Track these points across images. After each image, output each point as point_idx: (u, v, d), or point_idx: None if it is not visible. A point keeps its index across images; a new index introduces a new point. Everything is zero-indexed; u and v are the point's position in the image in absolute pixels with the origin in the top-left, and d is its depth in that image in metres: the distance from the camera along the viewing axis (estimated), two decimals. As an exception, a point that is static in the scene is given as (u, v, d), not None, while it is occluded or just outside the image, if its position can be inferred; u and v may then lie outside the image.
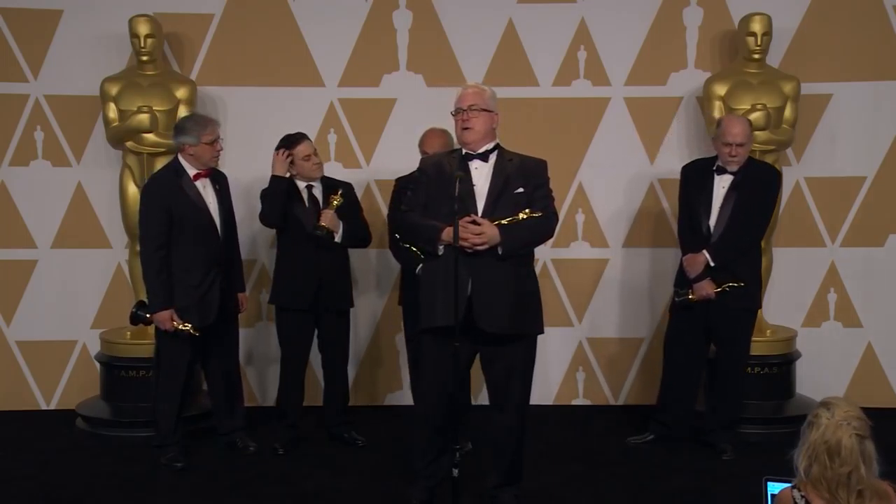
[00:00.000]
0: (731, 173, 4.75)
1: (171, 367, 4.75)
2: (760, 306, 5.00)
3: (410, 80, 5.83)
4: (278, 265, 5.04)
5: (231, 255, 4.87)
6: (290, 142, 4.92)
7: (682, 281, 4.86)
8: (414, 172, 4.31)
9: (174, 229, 4.63)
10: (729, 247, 4.72)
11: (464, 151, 3.99)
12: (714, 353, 4.99)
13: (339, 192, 4.89)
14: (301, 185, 4.97)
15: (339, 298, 5.02)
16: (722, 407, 4.95)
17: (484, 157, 3.96)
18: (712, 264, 4.72)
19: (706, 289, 4.74)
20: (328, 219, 4.84)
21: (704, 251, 4.73)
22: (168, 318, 4.61)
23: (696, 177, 4.86)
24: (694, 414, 5.02)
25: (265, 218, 4.95)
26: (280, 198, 4.86)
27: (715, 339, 4.92)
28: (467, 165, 3.94)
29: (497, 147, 4.02)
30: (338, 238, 4.91)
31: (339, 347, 5.11)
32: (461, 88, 4.05)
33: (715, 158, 4.85)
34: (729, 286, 4.70)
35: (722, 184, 4.77)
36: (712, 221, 4.76)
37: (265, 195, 4.91)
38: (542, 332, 4.04)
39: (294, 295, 4.93)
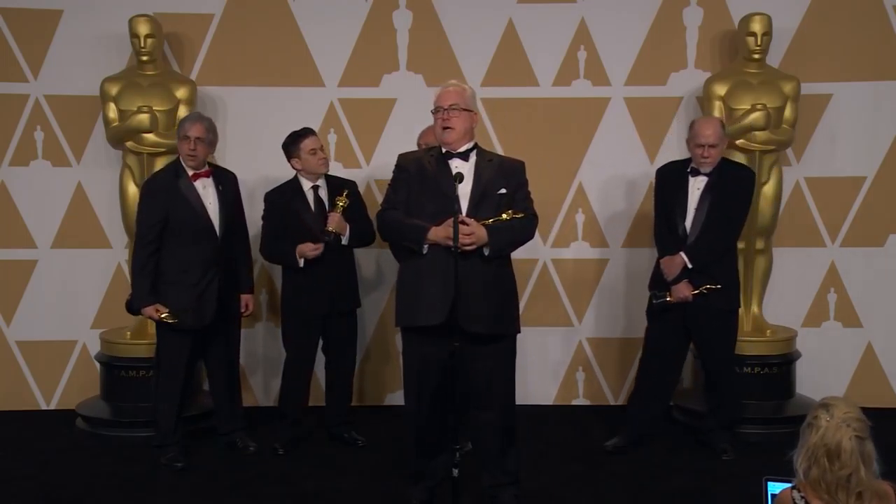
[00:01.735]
0: (706, 175, 4.76)
1: (170, 367, 4.76)
2: (740, 305, 5.00)
3: (410, 80, 5.83)
4: (287, 271, 5.02)
5: (233, 254, 4.85)
6: (295, 137, 4.93)
7: (659, 283, 4.85)
8: None
9: (170, 230, 4.65)
10: (706, 248, 4.73)
11: (443, 150, 3.98)
12: (697, 354, 4.99)
13: (346, 194, 4.88)
14: (307, 185, 4.97)
15: (347, 299, 5.02)
16: (721, 408, 4.95)
17: (464, 156, 3.96)
18: (690, 266, 4.72)
19: (684, 291, 4.74)
20: (335, 222, 4.83)
21: (682, 253, 4.73)
22: (153, 312, 4.67)
23: (671, 179, 4.86)
24: (668, 412, 4.99)
25: (264, 257, 5.10)
26: (280, 263, 5.03)
27: (697, 341, 4.92)
28: (447, 164, 3.93)
29: (475, 146, 4.01)
30: (345, 241, 4.90)
31: (346, 348, 5.11)
32: (441, 87, 4.04)
33: (689, 160, 4.87)
34: (706, 289, 4.71)
35: (697, 185, 4.78)
36: (688, 223, 4.77)
37: (277, 253, 4.97)
38: (519, 331, 4.05)
39: (307, 301, 4.91)
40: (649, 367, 4.99)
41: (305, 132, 4.96)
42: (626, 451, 4.92)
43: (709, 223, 4.72)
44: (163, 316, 4.64)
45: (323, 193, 4.99)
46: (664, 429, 5.05)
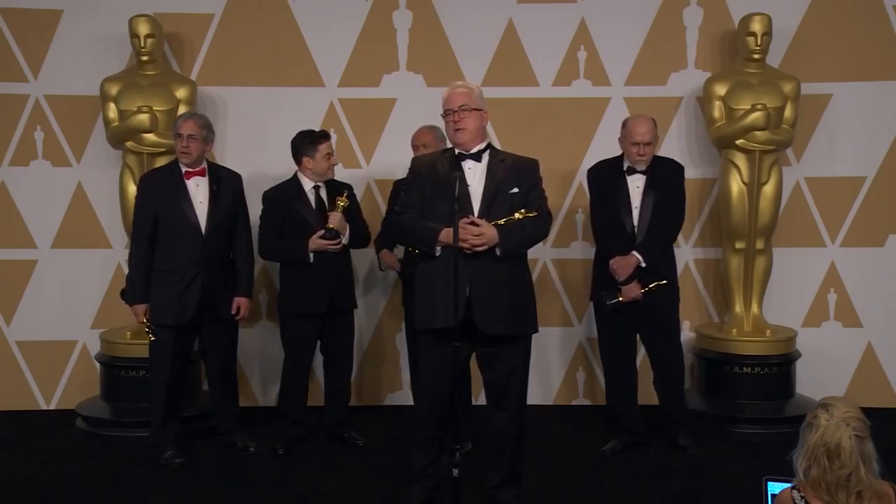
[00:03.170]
0: (642, 173, 4.79)
1: (157, 362, 4.76)
2: (680, 299, 5.02)
3: (410, 80, 5.83)
4: (285, 270, 5.01)
5: (226, 255, 4.85)
6: (315, 137, 4.93)
7: (605, 284, 4.83)
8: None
9: (160, 226, 4.69)
10: (657, 245, 4.77)
11: (456, 151, 3.98)
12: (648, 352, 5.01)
13: (345, 194, 4.89)
14: (307, 185, 4.97)
15: (344, 299, 5.02)
16: (676, 404, 4.97)
17: (477, 157, 3.95)
18: (644, 264, 4.73)
19: (635, 290, 4.75)
20: (336, 220, 4.84)
21: (634, 252, 4.74)
22: (139, 312, 4.73)
23: (609, 178, 4.86)
24: (639, 412, 5.04)
25: (263, 255, 5.08)
26: (285, 259, 4.98)
27: (646, 338, 4.94)
28: (460, 166, 3.93)
29: (489, 146, 4.01)
30: (345, 240, 4.90)
31: (343, 348, 5.11)
32: (448, 88, 4.02)
33: (619, 159, 4.89)
34: (655, 285, 4.73)
35: (636, 184, 4.80)
36: (635, 221, 4.78)
37: (283, 250, 4.95)
38: (536, 331, 4.05)
39: (306, 300, 4.91)
40: (611, 370, 5.00)
41: (325, 135, 4.97)
42: (623, 453, 4.93)
43: (656, 220, 4.76)
44: (146, 324, 4.71)
45: (323, 193, 4.99)
46: (651, 428, 5.04)
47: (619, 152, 4.95)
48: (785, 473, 2.74)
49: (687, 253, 5.84)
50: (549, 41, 5.80)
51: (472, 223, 3.78)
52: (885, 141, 5.76)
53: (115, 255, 5.82)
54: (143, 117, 5.34)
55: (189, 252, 4.69)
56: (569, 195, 5.86)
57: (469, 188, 3.89)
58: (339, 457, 4.92)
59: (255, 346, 5.87)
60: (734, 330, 5.50)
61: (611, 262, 4.78)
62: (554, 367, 5.93)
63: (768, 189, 5.43)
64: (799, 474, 2.62)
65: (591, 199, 4.99)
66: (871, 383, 5.79)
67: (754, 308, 5.56)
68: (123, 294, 5.03)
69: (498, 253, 3.84)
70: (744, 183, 5.42)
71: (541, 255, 5.84)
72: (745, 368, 5.33)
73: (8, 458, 4.91)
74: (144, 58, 5.46)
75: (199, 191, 4.75)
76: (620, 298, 4.77)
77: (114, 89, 5.45)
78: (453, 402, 3.85)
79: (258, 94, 5.78)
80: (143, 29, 5.41)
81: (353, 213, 5.01)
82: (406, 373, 5.68)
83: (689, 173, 5.05)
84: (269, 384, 5.86)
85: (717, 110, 5.46)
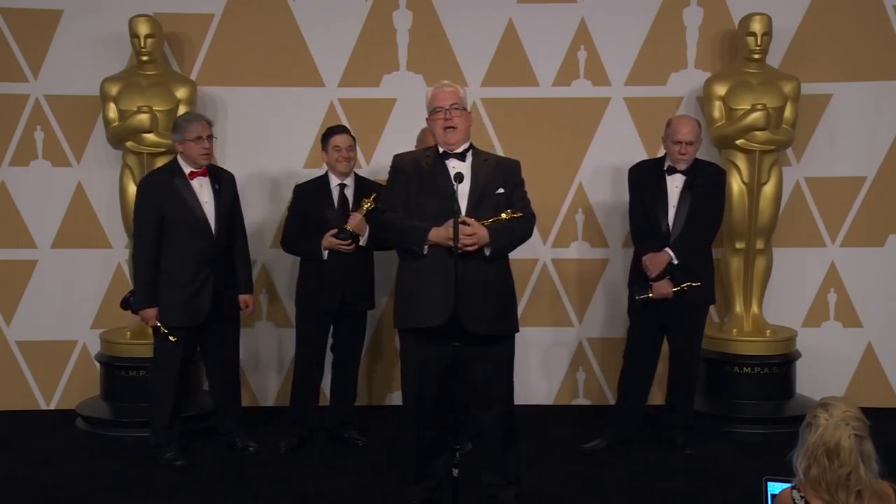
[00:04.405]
0: (682, 173, 4.81)
1: (164, 364, 4.75)
2: (714, 301, 5.04)
3: (410, 80, 5.83)
4: (304, 266, 5.02)
5: (230, 254, 4.86)
6: (328, 131, 4.96)
7: (639, 280, 4.86)
8: None
9: (166, 227, 4.66)
10: (691, 244, 4.78)
11: (440, 150, 3.97)
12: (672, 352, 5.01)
13: (373, 197, 4.79)
14: (334, 182, 4.97)
15: (359, 300, 5.01)
16: (681, 404, 4.99)
17: (461, 156, 3.95)
18: (675, 262, 4.75)
19: (666, 288, 4.76)
20: (355, 222, 4.82)
21: (667, 249, 4.76)
22: (151, 316, 4.69)
23: (648, 178, 4.89)
24: (645, 412, 5.03)
25: (285, 249, 5.10)
26: (301, 254, 5.00)
27: (672, 336, 4.94)
28: (444, 164, 3.92)
29: (471, 146, 4.01)
30: (363, 242, 4.88)
31: (354, 348, 5.11)
32: (434, 87, 4.01)
33: (661, 159, 4.91)
34: (687, 285, 4.74)
35: (675, 183, 4.82)
36: (670, 220, 4.80)
37: (300, 245, 4.96)
38: (518, 330, 4.06)
39: (317, 297, 4.92)
40: (631, 366, 5.00)
41: (338, 129, 4.99)
42: (608, 451, 4.92)
43: (691, 220, 4.78)
44: (162, 328, 4.66)
45: (349, 192, 4.98)
46: (644, 430, 5.05)
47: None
48: (785, 473, 2.74)
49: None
50: (549, 41, 5.80)
51: (464, 223, 3.77)
52: (885, 141, 5.76)
53: (115, 255, 5.83)
54: (143, 117, 5.34)
55: (198, 252, 4.68)
56: (569, 195, 5.86)
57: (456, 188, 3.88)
58: (339, 457, 4.92)
59: (255, 346, 5.88)
60: (734, 330, 5.50)
61: (643, 258, 4.81)
62: (554, 367, 5.93)
63: (768, 189, 5.43)
64: (799, 474, 2.62)
65: (629, 196, 4.99)
66: (871, 383, 5.79)
67: (754, 308, 5.56)
68: (125, 303, 4.95)
69: (487, 254, 3.84)
70: (744, 183, 5.42)
71: (541, 254, 5.84)
72: (745, 368, 5.33)
73: (8, 458, 4.92)
74: (144, 58, 5.46)
75: (203, 191, 4.75)
76: (650, 294, 4.78)
77: (114, 89, 5.45)
78: (452, 401, 3.85)
79: (258, 94, 5.78)
80: (143, 29, 5.41)
81: None
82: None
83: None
84: (270, 384, 5.86)
85: (717, 110, 5.46)
